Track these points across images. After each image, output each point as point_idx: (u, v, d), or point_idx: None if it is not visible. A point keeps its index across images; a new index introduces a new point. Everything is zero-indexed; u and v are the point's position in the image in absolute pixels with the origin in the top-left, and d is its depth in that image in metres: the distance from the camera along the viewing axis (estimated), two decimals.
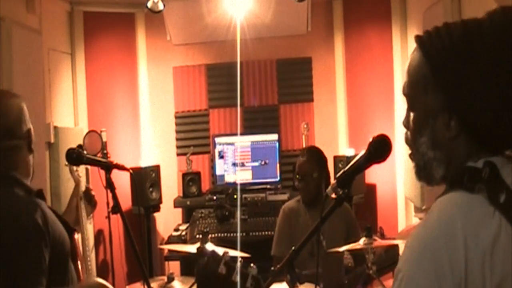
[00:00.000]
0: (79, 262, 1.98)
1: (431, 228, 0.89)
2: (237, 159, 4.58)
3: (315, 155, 3.20)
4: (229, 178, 4.58)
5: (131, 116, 4.79)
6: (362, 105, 4.68)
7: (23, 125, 1.71)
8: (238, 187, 4.38)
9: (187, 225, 4.25)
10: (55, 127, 3.89)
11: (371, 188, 4.53)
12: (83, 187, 2.42)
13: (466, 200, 0.89)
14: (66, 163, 2.62)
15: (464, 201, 0.90)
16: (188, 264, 4.05)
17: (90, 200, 2.33)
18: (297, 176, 3.17)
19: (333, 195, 1.46)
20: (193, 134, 4.89)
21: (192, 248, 2.92)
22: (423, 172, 1.02)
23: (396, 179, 4.33)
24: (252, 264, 1.35)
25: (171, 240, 4.26)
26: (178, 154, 4.88)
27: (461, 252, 0.84)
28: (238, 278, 1.29)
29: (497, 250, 0.85)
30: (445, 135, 0.95)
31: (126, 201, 4.23)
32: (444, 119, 0.95)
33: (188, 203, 4.46)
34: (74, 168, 2.64)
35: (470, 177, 0.91)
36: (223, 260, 1.30)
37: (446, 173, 0.99)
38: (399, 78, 4.30)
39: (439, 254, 0.85)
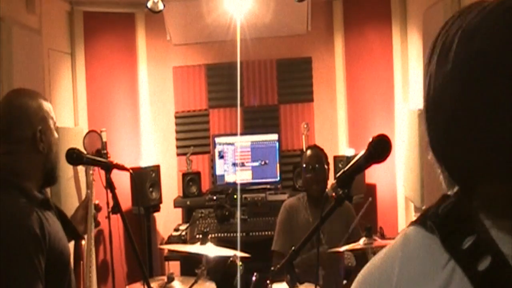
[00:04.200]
0: (81, 268, 1.98)
1: (373, 263, 0.75)
2: (237, 159, 4.58)
3: (322, 150, 3.37)
4: (229, 178, 4.58)
5: (131, 116, 4.78)
6: (362, 105, 4.68)
7: (24, 127, 1.67)
8: (238, 187, 4.37)
9: (187, 225, 4.25)
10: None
11: (371, 188, 4.52)
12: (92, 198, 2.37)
13: (418, 240, 0.69)
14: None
15: (414, 241, 0.70)
16: (188, 264, 4.05)
17: (94, 219, 2.29)
18: (309, 167, 3.23)
19: (333, 195, 1.46)
20: (193, 134, 4.88)
21: (192, 248, 2.92)
22: None
23: (396, 179, 4.32)
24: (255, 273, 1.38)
25: (171, 240, 4.26)
26: (178, 154, 4.88)
27: None
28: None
29: None
30: None
31: (126, 201, 4.23)
32: None
33: (188, 203, 4.46)
34: (90, 171, 2.59)
35: (434, 211, 0.70)
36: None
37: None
38: (399, 78, 4.30)
39: None
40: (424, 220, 0.69)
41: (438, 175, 0.74)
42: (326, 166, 3.28)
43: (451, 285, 0.63)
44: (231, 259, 2.66)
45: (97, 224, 2.25)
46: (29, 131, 1.68)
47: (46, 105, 1.77)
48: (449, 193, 0.71)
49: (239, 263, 2.47)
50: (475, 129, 0.65)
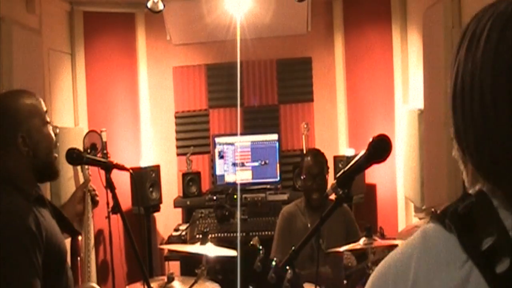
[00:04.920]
0: (79, 263, 1.98)
1: (391, 257, 0.75)
2: (237, 159, 4.57)
3: (323, 156, 3.33)
4: (229, 178, 4.58)
5: (131, 116, 4.78)
6: (362, 105, 4.68)
7: (7, 131, 1.68)
8: (238, 187, 4.37)
9: (187, 225, 4.25)
10: (55, 127, 3.89)
11: (371, 188, 4.52)
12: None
13: (436, 238, 0.68)
14: None
15: (433, 239, 0.69)
16: (188, 264, 4.05)
17: (93, 199, 2.35)
18: (310, 175, 3.22)
19: (333, 195, 1.46)
20: (193, 134, 4.88)
21: (192, 248, 2.92)
22: None
23: (396, 179, 4.32)
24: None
25: (171, 240, 4.26)
26: (178, 154, 4.88)
27: None
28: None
29: None
30: None
31: (126, 201, 4.23)
32: None
33: (188, 203, 4.46)
34: (86, 166, 2.64)
35: (453, 209, 0.67)
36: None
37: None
38: (399, 78, 4.30)
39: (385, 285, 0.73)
40: (443, 218, 0.67)
41: (462, 171, 0.72)
42: (327, 174, 3.27)
43: (468, 286, 0.62)
44: (252, 242, 2.66)
45: (96, 202, 2.30)
46: (13, 135, 1.69)
47: (31, 102, 1.75)
48: (470, 191, 0.70)
49: (259, 246, 2.49)
50: (503, 119, 0.63)
